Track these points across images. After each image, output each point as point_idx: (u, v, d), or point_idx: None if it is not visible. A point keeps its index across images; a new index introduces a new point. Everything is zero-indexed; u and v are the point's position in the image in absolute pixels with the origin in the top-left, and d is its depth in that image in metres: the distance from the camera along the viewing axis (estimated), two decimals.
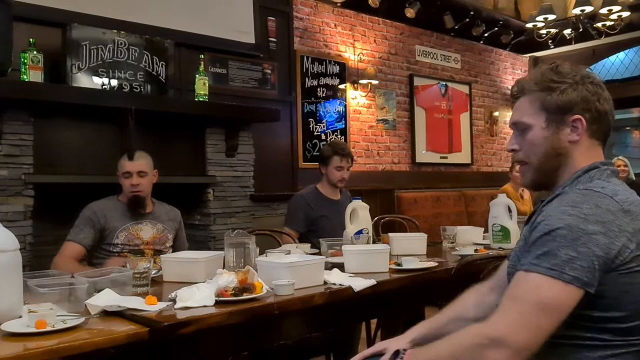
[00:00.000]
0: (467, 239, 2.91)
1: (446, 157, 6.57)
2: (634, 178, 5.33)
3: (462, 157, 6.75)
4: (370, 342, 3.22)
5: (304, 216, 3.18)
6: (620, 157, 5.41)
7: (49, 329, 1.28)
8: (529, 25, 5.62)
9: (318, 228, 3.16)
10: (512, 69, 7.61)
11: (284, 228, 3.18)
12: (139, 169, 2.58)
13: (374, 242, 2.68)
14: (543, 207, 1.20)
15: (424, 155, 6.29)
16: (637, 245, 1.10)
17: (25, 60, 3.02)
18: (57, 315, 1.33)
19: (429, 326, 1.54)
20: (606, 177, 1.21)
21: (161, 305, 1.47)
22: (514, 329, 1.05)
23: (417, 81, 6.24)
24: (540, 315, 1.05)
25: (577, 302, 1.07)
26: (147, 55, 3.60)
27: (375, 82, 5.59)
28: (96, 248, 2.50)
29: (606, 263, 1.08)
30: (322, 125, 5.25)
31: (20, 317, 1.35)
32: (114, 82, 3.44)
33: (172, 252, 2.59)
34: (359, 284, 1.72)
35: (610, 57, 7.32)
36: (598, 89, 1.25)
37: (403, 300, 2.03)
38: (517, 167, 5.74)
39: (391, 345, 1.49)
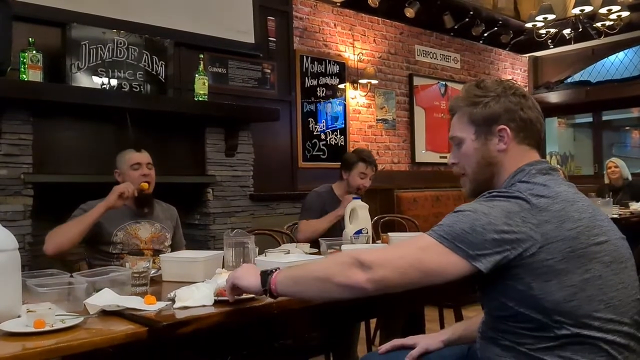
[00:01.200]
0: None
1: (446, 157, 6.56)
2: (630, 178, 5.31)
3: None
4: (370, 342, 3.22)
5: (319, 213, 3.17)
6: (612, 159, 5.40)
7: (47, 328, 1.27)
8: (529, 25, 5.62)
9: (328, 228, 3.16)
10: (511, 69, 7.61)
11: (300, 222, 3.17)
12: (148, 160, 2.61)
13: (373, 242, 2.68)
14: None
15: (423, 154, 6.30)
16: (543, 236, 1.13)
17: (25, 60, 3.02)
18: (56, 315, 1.33)
19: (464, 327, 1.57)
20: (530, 177, 1.26)
21: (160, 304, 1.46)
22: (383, 263, 1.16)
23: (417, 81, 6.25)
24: (412, 270, 1.16)
25: (460, 274, 1.15)
26: (146, 54, 3.60)
27: (374, 81, 5.59)
28: (94, 248, 2.49)
29: (506, 250, 1.13)
30: (321, 125, 5.25)
31: (19, 316, 1.35)
32: (114, 82, 3.44)
33: (170, 251, 2.58)
34: None
35: (609, 57, 7.32)
36: (521, 99, 1.32)
37: (402, 300, 2.02)
38: None
39: (422, 340, 1.52)
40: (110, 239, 2.46)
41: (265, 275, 1.34)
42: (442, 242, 1.15)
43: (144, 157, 2.61)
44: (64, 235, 2.29)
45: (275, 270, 1.34)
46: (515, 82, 1.41)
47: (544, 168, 1.29)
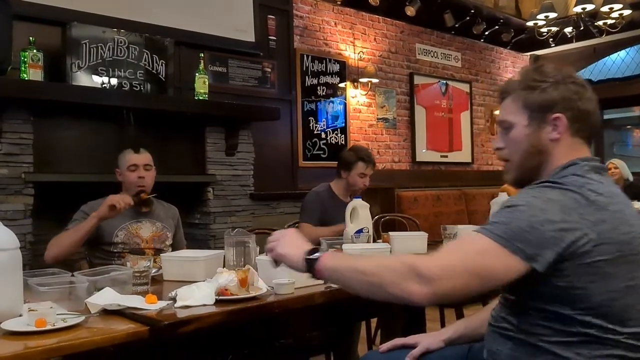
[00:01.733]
0: None
1: (446, 156, 6.57)
2: (631, 179, 5.30)
3: (462, 155, 6.75)
4: (370, 342, 3.22)
5: (319, 214, 3.16)
6: (612, 160, 5.39)
7: (49, 327, 1.27)
8: (530, 23, 5.61)
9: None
10: (512, 68, 7.60)
11: (301, 224, 3.16)
12: (146, 162, 2.59)
13: (374, 241, 2.67)
14: None
15: (424, 154, 6.29)
16: (599, 235, 1.10)
17: (25, 59, 3.02)
18: (57, 314, 1.33)
19: (465, 325, 1.56)
20: (584, 172, 1.21)
21: (161, 304, 1.46)
22: (444, 276, 1.08)
23: (418, 80, 6.24)
24: (474, 278, 1.09)
25: (518, 274, 1.09)
26: (147, 53, 3.59)
27: (375, 80, 5.58)
28: (95, 248, 2.49)
29: (561, 247, 1.08)
30: (322, 124, 5.24)
31: (20, 315, 1.35)
32: (114, 81, 3.44)
33: (171, 250, 2.57)
34: None
35: (611, 56, 7.31)
36: (580, 88, 1.26)
37: None
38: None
39: (423, 340, 1.52)
40: (112, 239, 2.46)
41: (311, 260, 1.27)
42: (500, 242, 1.09)
43: (141, 158, 2.60)
44: (59, 247, 2.34)
45: (323, 252, 1.27)
46: (575, 71, 1.33)
47: (597, 166, 1.24)
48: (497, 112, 7.23)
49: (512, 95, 1.31)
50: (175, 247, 2.65)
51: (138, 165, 2.56)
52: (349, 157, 3.24)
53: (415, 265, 1.10)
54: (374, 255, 1.21)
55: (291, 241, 1.35)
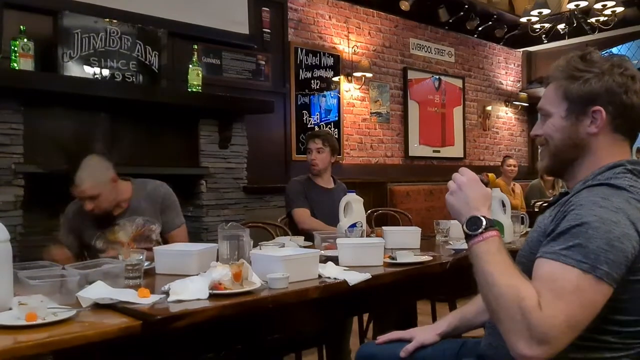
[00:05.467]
0: (460, 233, 2.90)
1: (439, 151, 6.58)
2: None
3: (454, 151, 6.77)
4: (362, 335, 3.22)
5: (304, 196, 3.18)
6: None
7: (39, 321, 1.25)
8: (523, 19, 5.61)
9: (311, 214, 3.17)
10: (505, 64, 7.61)
11: (293, 211, 3.16)
12: (87, 195, 2.21)
13: (368, 236, 2.67)
14: (570, 198, 1.16)
15: (416, 148, 6.29)
16: None
17: (16, 48, 2.98)
18: (48, 308, 1.31)
19: (459, 317, 1.55)
20: (633, 176, 1.15)
21: (154, 298, 1.45)
22: (563, 329, 1.00)
23: (411, 74, 6.23)
24: (585, 316, 1.02)
25: (607, 299, 1.03)
26: (139, 44, 3.56)
27: (369, 74, 5.57)
28: (82, 257, 2.32)
29: (630, 260, 1.04)
30: (315, 117, 5.23)
31: (10, 309, 1.33)
32: (106, 72, 3.41)
33: (164, 237, 2.38)
34: (354, 277, 1.71)
35: (603, 53, 7.34)
36: (628, 80, 1.18)
37: (397, 294, 2.02)
38: (509, 162, 5.78)
39: (418, 334, 1.51)
40: (94, 244, 2.27)
41: (470, 235, 1.16)
42: (584, 269, 1.01)
43: (80, 191, 2.22)
44: None
45: (490, 228, 1.16)
46: (628, 60, 1.24)
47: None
48: (489, 108, 7.27)
49: (554, 84, 1.25)
50: (167, 229, 2.40)
51: (82, 198, 2.24)
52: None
53: (531, 321, 1.00)
54: (514, 269, 1.10)
55: (468, 197, 1.23)
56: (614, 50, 7.26)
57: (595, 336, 1.09)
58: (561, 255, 1.04)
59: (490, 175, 1.37)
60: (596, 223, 1.04)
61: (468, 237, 1.16)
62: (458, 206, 1.24)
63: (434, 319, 3.33)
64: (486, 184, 1.31)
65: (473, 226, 1.16)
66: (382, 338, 1.54)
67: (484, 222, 1.16)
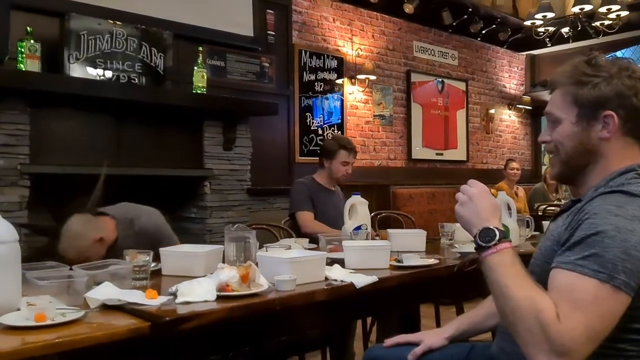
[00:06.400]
0: (465, 236, 2.90)
1: (442, 154, 6.58)
2: None
3: (457, 154, 6.77)
4: (366, 338, 3.21)
5: (309, 199, 3.18)
6: None
7: (48, 322, 1.25)
8: (527, 23, 5.62)
9: (315, 217, 3.17)
10: (508, 67, 7.61)
11: (297, 214, 3.16)
12: (75, 262, 1.77)
13: (372, 238, 2.67)
14: (583, 206, 1.14)
15: (419, 151, 6.30)
16: None
17: (23, 50, 2.99)
18: (56, 309, 1.31)
19: (468, 321, 1.54)
20: None
21: (162, 299, 1.45)
22: (582, 341, 0.99)
23: (414, 77, 6.24)
24: (604, 327, 1.01)
25: (625, 308, 1.02)
26: (145, 46, 3.57)
27: (372, 77, 5.58)
28: None
29: None
30: (318, 120, 5.23)
31: (19, 309, 1.33)
32: (111, 73, 3.41)
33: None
34: (361, 280, 1.71)
35: (607, 56, 7.33)
36: (637, 83, 1.17)
37: (403, 297, 2.02)
38: (512, 165, 5.78)
39: (426, 338, 1.50)
40: None
41: (483, 247, 1.15)
42: (601, 279, 1.01)
43: (66, 259, 1.89)
44: None
45: (503, 239, 1.14)
46: (634, 62, 1.23)
47: None
48: (492, 111, 7.26)
49: (561, 90, 1.23)
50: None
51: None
52: (331, 145, 3.27)
53: (550, 333, 0.99)
54: (529, 280, 1.09)
55: (478, 208, 1.22)
56: (619, 53, 7.26)
57: (613, 344, 1.07)
58: (577, 266, 1.03)
59: (493, 191, 1.36)
60: (612, 232, 1.03)
61: (480, 249, 1.15)
62: (468, 217, 1.23)
63: (438, 322, 3.33)
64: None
65: (486, 237, 1.15)
66: (389, 341, 1.54)
67: (497, 234, 1.15)
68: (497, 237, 1.14)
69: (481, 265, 1.15)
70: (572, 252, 1.06)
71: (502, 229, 1.18)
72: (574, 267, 1.04)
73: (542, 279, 1.10)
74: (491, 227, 1.17)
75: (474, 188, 1.26)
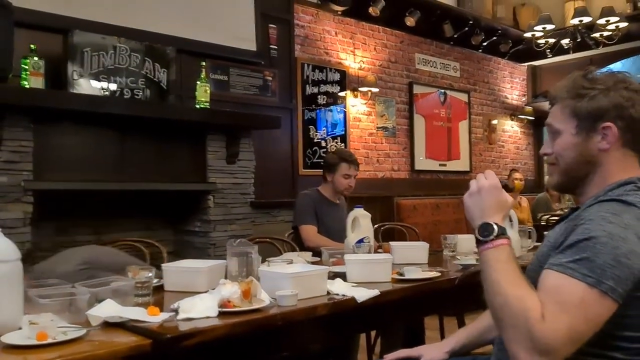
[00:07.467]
0: (468, 248, 2.90)
1: (445, 165, 6.58)
2: None
3: (460, 164, 6.76)
4: (370, 351, 3.20)
5: (313, 212, 3.19)
6: None
7: (50, 341, 1.26)
8: (528, 34, 5.64)
9: (320, 229, 3.17)
10: (510, 78, 7.63)
11: (301, 227, 3.16)
12: None
13: (375, 251, 2.67)
14: (580, 213, 1.16)
15: (423, 162, 6.30)
16: None
17: (26, 67, 3.02)
18: (58, 327, 1.31)
19: (467, 334, 1.54)
20: None
21: (164, 316, 1.45)
22: (564, 342, 1.01)
23: (417, 89, 6.26)
24: (587, 330, 1.03)
25: (611, 314, 1.03)
26: (148, 61, 3.59)
27: (375, 89, 5.60)
28: None
29: (637, 277, 1.04)
30: (322, 132, 5.25)
31: (20, 328, 1.33)
32: (115, 89, 3.44)
33: None
34: (362, 294, 1.71)
35: (607, 67, 7.34)
36: (634, 94, 1.20)
37: (405, 311, 2.02)
38: (515, 175, 5.77)
39: (427, 352, 1.50)
40: None
41: (481, 241, 1.17)
42: (589, 283, 1.02)
43: None
44: None
45: (501, 235, 1.16)
46: (630, 75, 1.25)
47: None
48: (494, 122, 7.27)
49: (560, 104, 1.26)
50: None
51: None
52: (332, 159, 3.29)
53: (534, 333, 1.01)
54: (522, 279, 1.11)
55: (484, 202, 1.25)
56: (619, 64, 7.27)
57: (603, 352, 1.08)
58: (568, 268, 1.05)
59: (517, 183, 1.37)
60: (604, 238, 1.05)
61: (479, 243, 1.18)
62: (472, 209, 1.26)
63: (442, 334, 3.31)
64: (509, 189, 1.31)
65: (484, 232, 1.18)
66: (389, 357, 1.54)
67: (496, 229, 1.17)
68: (495, 233, 1.16)
69: (481, 258, 1.18)
70: (564, 254, 1.08)
71: (504, 226, 1.20)
72: (564, 269, 1.05)
73: (536, 283, 1.11)
74: (491, 222, 1.19)
75: (487, 180, 1.29)
